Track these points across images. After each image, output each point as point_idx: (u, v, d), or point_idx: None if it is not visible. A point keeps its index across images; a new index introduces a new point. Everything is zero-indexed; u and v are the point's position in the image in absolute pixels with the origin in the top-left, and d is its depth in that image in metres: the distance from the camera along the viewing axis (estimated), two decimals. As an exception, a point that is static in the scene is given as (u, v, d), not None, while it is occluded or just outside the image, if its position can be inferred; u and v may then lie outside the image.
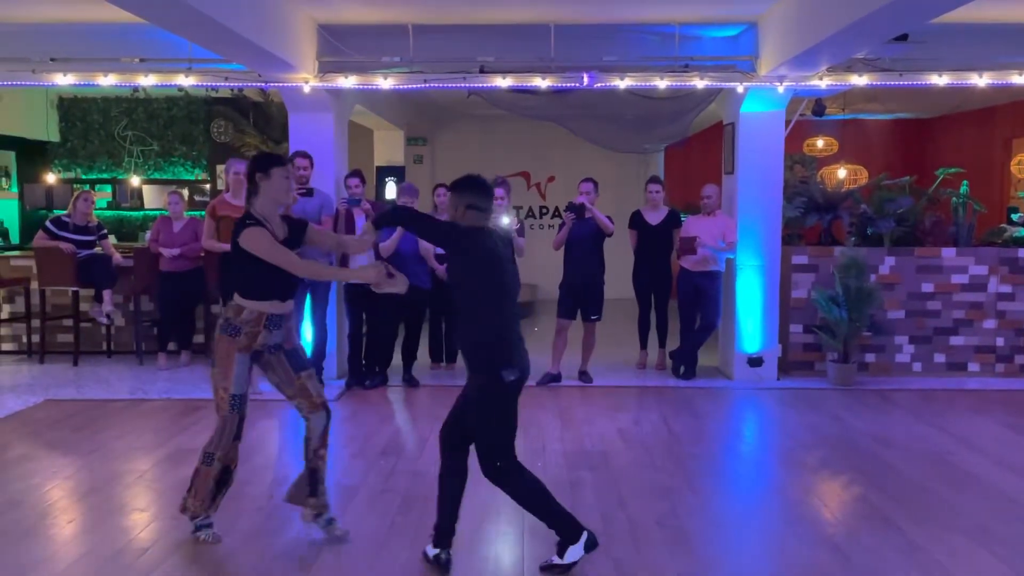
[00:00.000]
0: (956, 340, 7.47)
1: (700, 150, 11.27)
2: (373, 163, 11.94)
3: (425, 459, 5.13)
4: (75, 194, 8.06)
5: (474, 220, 3.51)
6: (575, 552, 3.48)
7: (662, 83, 6.90)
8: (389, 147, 12.08)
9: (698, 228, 7.30)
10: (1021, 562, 3.67)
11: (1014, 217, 9.26)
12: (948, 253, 7.45)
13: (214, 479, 3.83)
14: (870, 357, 7.47)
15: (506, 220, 6.55)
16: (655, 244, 7.56)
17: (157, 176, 11.39)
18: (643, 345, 7.86)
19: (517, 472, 3.51)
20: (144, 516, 4.26)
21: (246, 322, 3.70)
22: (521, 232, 7.08)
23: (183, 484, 4.66)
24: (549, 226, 12.66)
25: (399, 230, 6.63)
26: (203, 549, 3.81)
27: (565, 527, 3.50)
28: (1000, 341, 7.46)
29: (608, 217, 6.99)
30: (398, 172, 11.75)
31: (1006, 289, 7.43)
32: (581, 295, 7.12)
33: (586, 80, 6.76)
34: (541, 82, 6.84)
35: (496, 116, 10.46)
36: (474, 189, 3.55)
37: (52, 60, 6.88)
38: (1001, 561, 3.69)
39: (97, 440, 5.55)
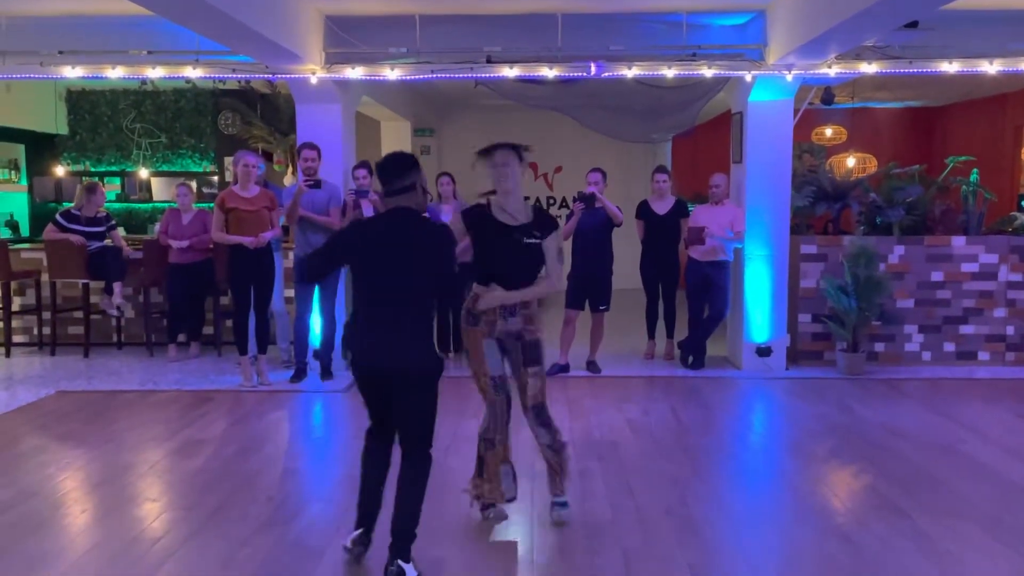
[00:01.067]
0: (966, 329, 7.44)
1: (708, 139, 11.24)
2: (380, 154, 11.88)
3: (434, 449, 5.13)
4: (83, 185, 8.05)
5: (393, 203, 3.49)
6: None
7: (670, 72, 6.87)
8: (396, 138, 12.04)
9: (706, 218, 7.28)
10: (1031, 551, 3.67)
11: (1025, 205, 9.21)
12: (958, 242, 7.42)
13: (501, 463, 3.94)
14: (879, 346, 7.45)
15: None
16: (662, 234, 7.54)
17: (165, 168, 11.42)
18: (651, 335, 7.86)
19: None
20: (156, 506, 4.29)
21: (482, 311, 3.83)
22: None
23: (193, 475, 4.72)
24: (556, 216, 12.63)
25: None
26: (214, 539, 3.83)
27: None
28: (1010, 330, 7.43)
29: (617, 207, 6.98)
30: (405, 163, 11.73)
31: (1016, 277, 7.39)
32: (589, 285, 7.11)
33: (593, 69, 6.74)
34: (548, 72, 6.82)
35: (503, 107, 10.43)
36: (380, 172, 3.51)
37: (60, 53, 6.89)
38: (1011, 549, 3.68)
39: (109, 431, 5.59)
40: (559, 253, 3.89)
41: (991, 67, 6.74)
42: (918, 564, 3.56)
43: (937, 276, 7.41)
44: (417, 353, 3.41)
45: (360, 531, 3.59)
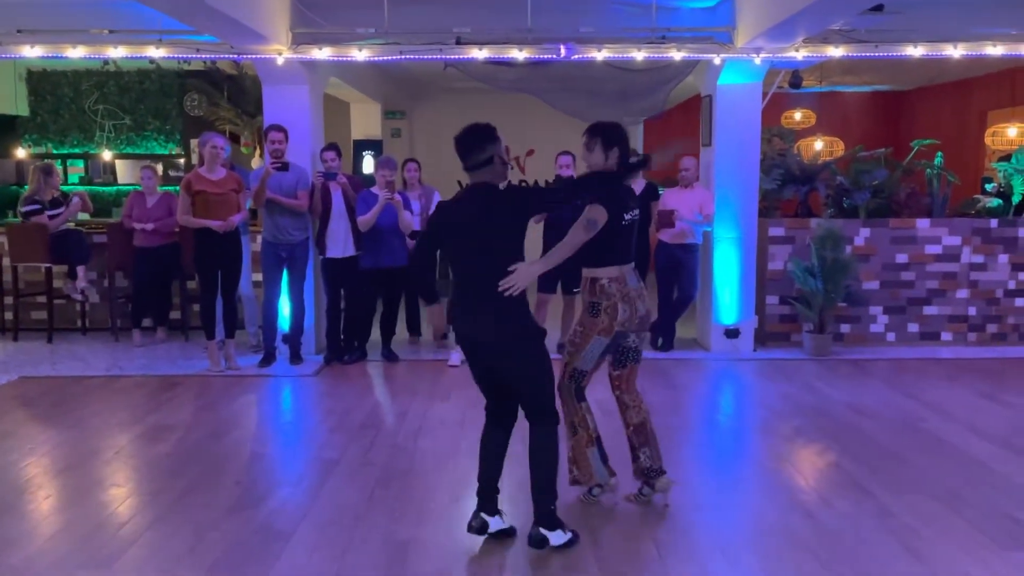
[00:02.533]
0: (930, 310, 7.57)
1: (678, 122, 11.27)
2: (350, 137, 11.82)
3: (404, 433, 5.15)
4: (37, 167, 7.79)
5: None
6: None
7: (639, 55, 6.87)
8: (366, 120, 11.95)
9: (676, 201, 7.31)
10: (990, 525, 3.75)
11: (988, 188, 9.37)
12: (922, 224, 7.52)
13: (587, 446, 3.94)
14: (845, 328, 7.55)
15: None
16: (633, 217, 7.55)
17: (130, 151, 11.23)
18: (622, 318, 7.88)
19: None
20: (122, 492, 4.24)
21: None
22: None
23: (160, 460, 4.69)
24: (528, 200, 12.60)
25: (378, 205, 6.59)
26: (181, 523, 3.80)
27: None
28: (972, 310, 7.57)
29: None
30: (376, 146, 11.63)
31: (979, 259, 7.53)
32: (561, 269, 7.10)
33: (563, 51, 6.71)
34: (518, 54, 6.78)
35: (475, 89, 10.36)
36: (457, 145, 3.49)
37: (19, 32, 6.73)
38: (971, 525, 3.77)
39: (73, 417, 5.52)
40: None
41: (955, 51, 6.82)
42: (880, 539, 3.63)
43: (902, 258, 7.52)
44: (510, 325, 3.41)
45: (478, 509, 3.62)
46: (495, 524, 3.61)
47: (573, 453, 4.00)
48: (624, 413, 4.06)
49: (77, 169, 11.22)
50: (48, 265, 7.67)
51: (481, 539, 3.64)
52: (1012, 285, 7.54)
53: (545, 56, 6.82)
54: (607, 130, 3.91)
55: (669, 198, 7.43)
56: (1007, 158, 8.39)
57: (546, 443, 3.48)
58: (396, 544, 3.59)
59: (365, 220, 6.64)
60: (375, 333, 7.21)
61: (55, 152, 11.13)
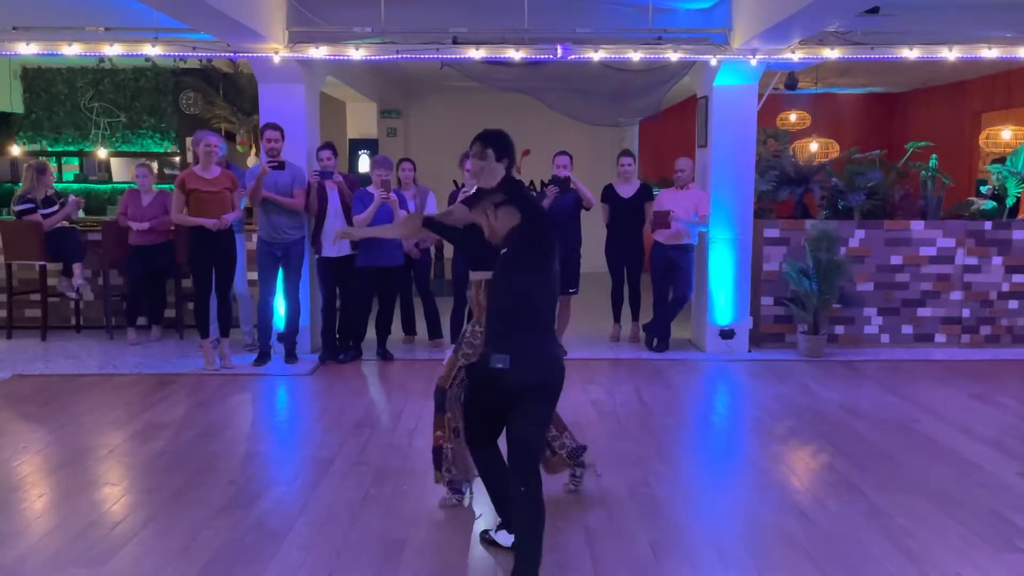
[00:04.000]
0: (923, 311, 7.59)
1: (674, 123, 11.28)
2: (346, 136, 11.81)
3: (399, 432, 5.15)
4: (31, 166, 7.77)
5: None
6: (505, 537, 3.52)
7: (636, 55, 6.88)
8: (362, 120, 11.94)
9: (671, 202, 7.33)
10: (980, 525, 3.77)
11: (983, 190, 9.40)
12: (917, 226, 7.55)
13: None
14: (839, 329, 7.57)
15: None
16: (627, 218, 7.57)
17: (125, 148, 11.20)
18: (616, 318, 7.90)
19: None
20: (116, 490, 4.24)
21: None
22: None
23: (154, 458, 4.68)
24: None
25: (374, 204, 6.58)
26: (175, 522, 3.80)
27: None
28: (966, 312, 7.60)
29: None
30: (371, 145, 11.62)
31: (972, 261, 7.55)
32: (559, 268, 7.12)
33: (560, 52, 6.71)
34: (514, 54, 6.79)
35: (471, 89, 10.37)
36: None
37: (14, 29, 6.71)
38: (962, 524, 3.78)
39: (67, 415, 5.50)
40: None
41: (950, 53, 6.85)
42: (872, 538, 3.65)
43: (896, 260, 7.54)
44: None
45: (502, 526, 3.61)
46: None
47: (446, 452, 3.93)
48: None
49: (72, 167, 11.19)
50: (43, 263, 7.65)
51: (475, 539, 3.65)
52: (1006, 287, 7.57)
53: (542, 56, 6.83)
54: (498, 139, 3.55)
55: (664, 199, 7.45)
56: (1001, 160, 8.42)
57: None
58: (390, 543, 3.59)
59: (361, 220, 6.63)
60: (370, 332, 7.21)
61: (50, 150, 11.10)
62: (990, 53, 6.84)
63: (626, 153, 7.71)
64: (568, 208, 7.00)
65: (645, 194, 7.58)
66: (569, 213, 7.02)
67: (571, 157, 7.10)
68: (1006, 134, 10.06)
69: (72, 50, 6.80)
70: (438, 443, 3.94)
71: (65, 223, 7.79)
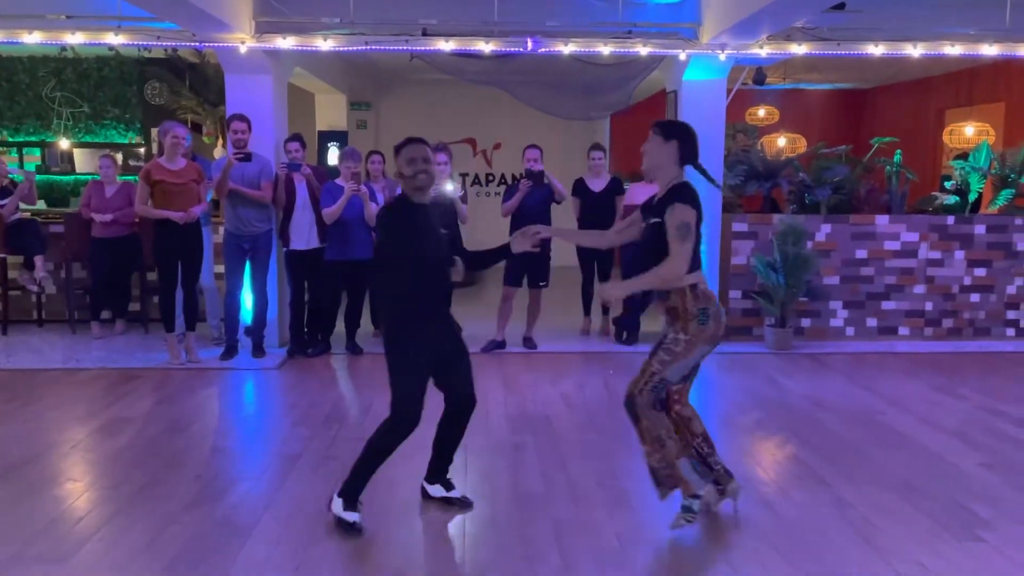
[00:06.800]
0: (888, 305, 7.70)
1: (646, 117, 11.32)
2: (315, 128, 11.69)
3: (368, 426, 5.08)
4: None
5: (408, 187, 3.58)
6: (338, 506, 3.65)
7: (605, 49, 6.89)
8: (331, 112, 11.82)
9: (642, 195, 7.33)
10: (944, 515, 3.84)
11: (947, 185, 9.56)
12: (881, 220, 7.65)
13: (677, 456, 3.67)
14: (806, 322, 7.66)
15: (449, 187, 6.52)
16: (598, 211, 7.57)
17: (88, 139, 10.99)
18: (587, 312, 7.93)
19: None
20: (79, 486, 4.17)
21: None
22: (464, 199, 7.05)
23: (118, 454, 4.61)
24: (495, 193, 12.60)
25: (344, 197, 6.53)
26: (140, 518, 3.75)
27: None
28: (929, 306, 7.72)
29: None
30: (341, 137, 11.52)
31: (935, 255, 7.67)
32: (529, 262, 7.09)
33: (530, 45, 6.71)
34: (484, 46, 6.77)
35: (442, 82, 10.33)
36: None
37: (-28, 16, 6.56)
38: (925, 515, 3.84)
39: (29, 410, 5.40)
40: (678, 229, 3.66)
41: (915, 50, 6.94)
42: (837, 529, 3.70)
43: (861, 254, 7.64)
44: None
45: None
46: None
47: (661, 467, 3.67)
48: (689, 424, 3.82)
49: (34, 158, 10.97)
50: (3, 256, 7.49)
51: (443, 533, 3.64)
52: (968, 281, 7.70)
53: (512, 49, 6.81)
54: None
55: (635, 192, 7.47)
56: (964, 156, 8.56)
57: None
58: (361, 537, 3.57)
59: (331, 212, 6.58)
60: (339, 326, 7.16)
61: (10, 140, 10.87)
62: (953, 50, 6.94)
63: (597, 147, 7.72)
64: (540, 202, 7.00)
65: (616, 188, 7.60)
66: (540, 207, 7.02)
67: (541, 151, 7.11)
68: (969, 130, 10.24)
69: (33, 38, 6.66)
70: (650, 461, 3.69)
71: (26, 213, 7.63)
